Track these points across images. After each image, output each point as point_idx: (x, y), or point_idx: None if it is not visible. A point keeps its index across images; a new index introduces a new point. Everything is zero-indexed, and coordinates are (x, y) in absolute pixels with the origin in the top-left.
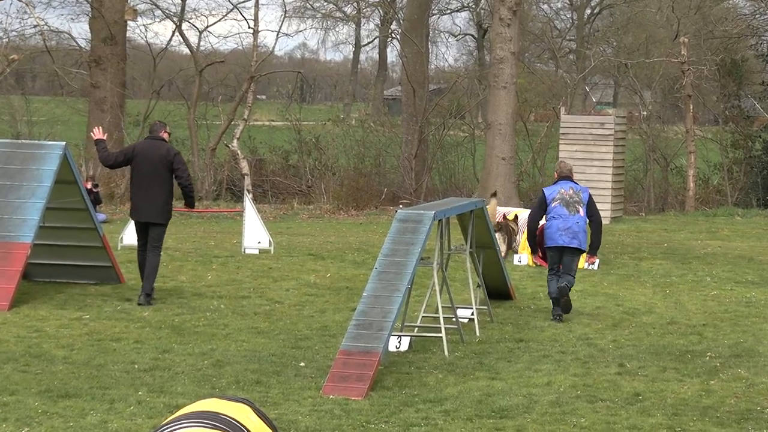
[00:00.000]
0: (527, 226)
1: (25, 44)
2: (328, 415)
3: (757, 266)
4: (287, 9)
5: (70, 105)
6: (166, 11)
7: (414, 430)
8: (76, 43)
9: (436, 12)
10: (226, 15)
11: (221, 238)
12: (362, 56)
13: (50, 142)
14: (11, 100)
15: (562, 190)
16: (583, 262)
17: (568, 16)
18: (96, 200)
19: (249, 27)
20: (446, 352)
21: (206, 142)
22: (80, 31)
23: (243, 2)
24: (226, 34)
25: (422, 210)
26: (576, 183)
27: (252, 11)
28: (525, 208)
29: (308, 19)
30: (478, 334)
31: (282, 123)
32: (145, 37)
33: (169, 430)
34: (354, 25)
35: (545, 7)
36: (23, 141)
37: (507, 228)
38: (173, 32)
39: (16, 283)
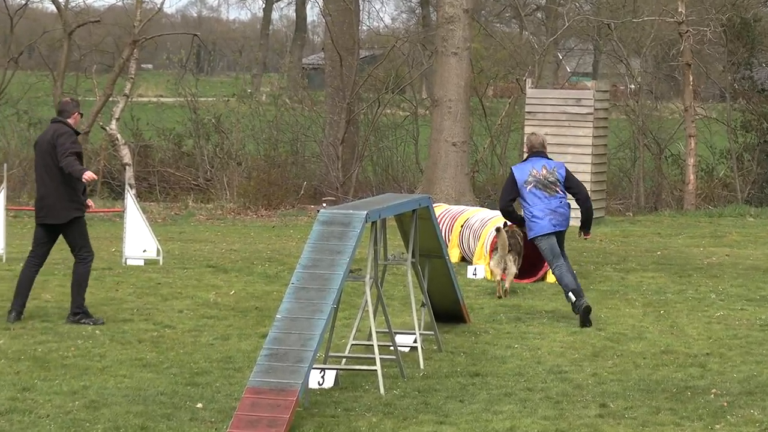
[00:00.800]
0: (500, 208)
1: None
2: None
3: None
4: None
5: None
6: None
7: None
8: None
9: None
10: None
11: (96, 245)
12: (275, 15)
13: None
14: None
15: (534, 171)
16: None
17: None
18: None
19: None
20: (382, 390)
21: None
22: None
23: None
24: None
25: (351, 210)
26: (549, 158)
27: None
28: (481, 207)
29: None
30: (422, 366)
31: (173, 99)
32: None
33: None
34: None
35: None
36: None
37: (517, 244)
38: None
39: None
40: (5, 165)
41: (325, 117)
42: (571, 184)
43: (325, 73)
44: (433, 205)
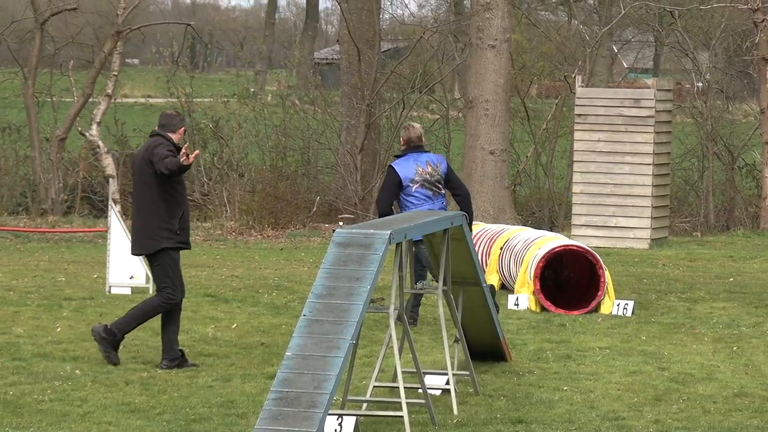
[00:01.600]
0: (379, 211)
1: None
2: None
3: None
4: None
5: None
6: None
7: None
8: None
9: None
10: None
11: (75, 270)
12: (281, 1)
13: None
14: None
15: (419, 168)
16: None
17: None
18: None
19: None
20: None
21: (52, 128)
22: None
23: None
24: None
25: (372, 229)
26: (428, 152)
27: None
28: (524, 225)
29: None
30: (456, 412)
31: (164, 100)
32: None
33: None
34: None
35: None
36: None
37: None
38: None
39: None
40: None
41: (341, 121)
42: (454, 184)
43: (341, 70)
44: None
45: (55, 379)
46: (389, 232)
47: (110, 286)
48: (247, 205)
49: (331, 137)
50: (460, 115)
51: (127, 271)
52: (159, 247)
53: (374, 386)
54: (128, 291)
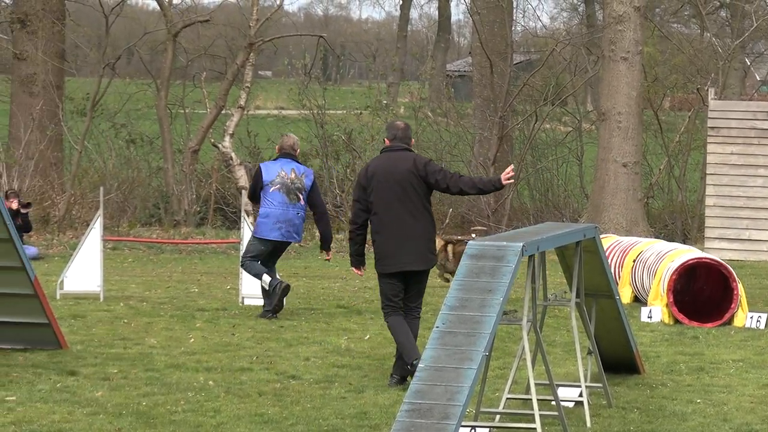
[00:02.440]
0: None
1: None
2: None
3: None
4: None
5: None
6: None
7: None
8: None
9: None
10: None
11: (208, 282)
12: (413, 13)
13: None
14: None
15: (283, 172)
16: None
17: None
18: (24, 227)
19: None
20: None
21: (184, 140)
22: None
23: None
24: None
25: (505, 241)
26: (299, 163)
27: None
28: (657, 238)
29: None
30: (589, 424)
31: (297, 112)
32: None
33: None
34: None
35: None
36: None
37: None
38: None
39: None
40: (102, 189)
41: (474, 133)
42: (314, 196)
43: (473, 82)
44: (601, 236)
45: (189, 390)
46: (522, 244)
47: (243, 297)
48: None
49: (464, 149)
50: (593, 127)
51: (259, 283)
52: (434, 263)
53: (507, 398)
54: (261, 302)
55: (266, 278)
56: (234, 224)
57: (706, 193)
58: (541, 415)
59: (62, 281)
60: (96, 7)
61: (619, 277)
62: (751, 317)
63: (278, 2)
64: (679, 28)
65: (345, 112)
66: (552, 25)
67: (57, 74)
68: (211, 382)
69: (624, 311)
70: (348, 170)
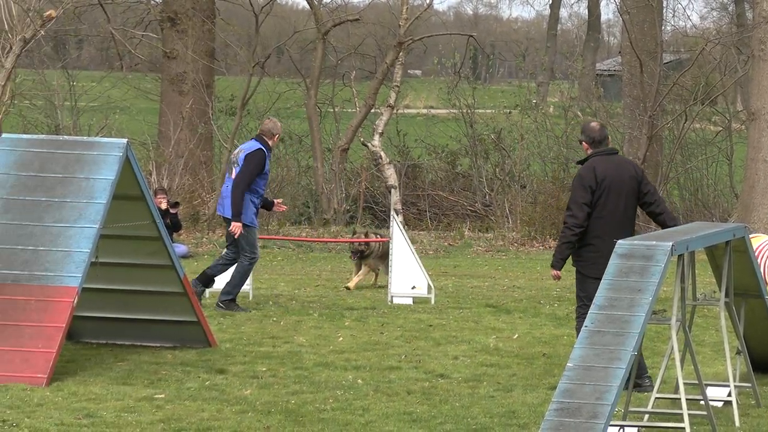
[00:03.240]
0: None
1: None
2: None
3: None
4: None
5: (133, 84)
6: None
7: None
8: None
9: None
10: None
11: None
12: (563, 12)
13: (105, 139)
14: (47, 77)
15: (236, 149)
16: None
17: None
18: (173, 226)
19: None
20: None
21: (333, 138)
22: None
23: None
24: None
25: (654, 241)
26: (259, 143)
27: None
28: None
29: None
30: (737, 423)
31: (446, 111)
32: None
33: None
34: None
35: None
36: (65, 138)
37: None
38: None
39: (58, 346)
40: None
41: (623, 132)
42: (239, 172)
43: (623, 81)
44: (750, 235)
45: (337, 388)
46: (671, 243)
47: (392, 296)
48: (529, 216)
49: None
50: (743, 127)
51: (408, 282)
52: None
53: (656, 398)
54: (410, 301)
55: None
56: (383, 223)
57: None
58: (689, 415)
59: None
60: (246, 6)
61: None
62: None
63: (428, 1)
64: None
65: (494, 111)
66: (702, 25)
67: (207, 73)
68: (359, 381)
69: None
70: (497, 169)
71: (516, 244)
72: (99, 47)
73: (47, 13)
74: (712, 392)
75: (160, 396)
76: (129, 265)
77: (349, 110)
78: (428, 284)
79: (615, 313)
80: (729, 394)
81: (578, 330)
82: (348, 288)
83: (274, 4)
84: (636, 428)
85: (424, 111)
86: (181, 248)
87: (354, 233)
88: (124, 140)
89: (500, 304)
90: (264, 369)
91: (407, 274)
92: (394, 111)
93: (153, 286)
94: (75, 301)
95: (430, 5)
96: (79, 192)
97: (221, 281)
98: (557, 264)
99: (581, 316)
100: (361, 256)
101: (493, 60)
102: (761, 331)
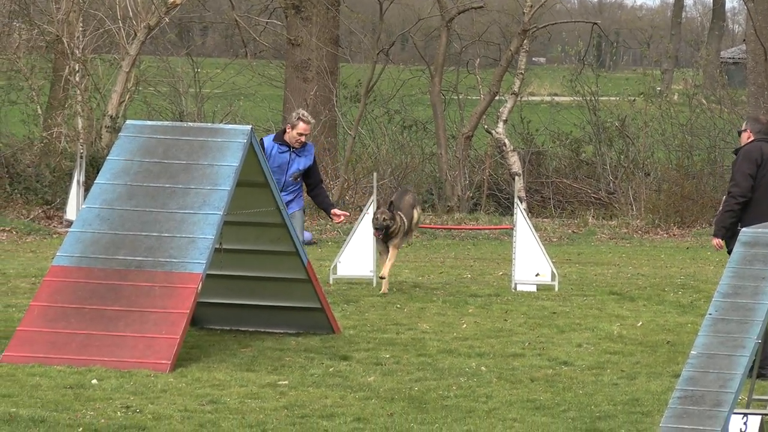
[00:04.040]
0: None
1: None
2: None
3: None
4: None
5: (258, 71)
6: None
7: None
8: None
9: None
10: None
11: (481, 267)
12: (688, 0)
13: (230, 126)
14: (171, 63)
15: None
16: None
17: None
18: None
19: None
20: None
21: (457, 126)
22: None
23: None
24: None
25: None
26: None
27: None
28: None
29: None
30: None
31: (570, 98)
32: None
33: None
34: None
35: None
36: (190, 124)
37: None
38: None
39: (181, 332)
40: (375, 174)
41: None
42: None
43: (747, 69)
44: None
45: (460, 376)
46: None
47: (516, 284)
48: (653, 204)
49: (737, 137)
50: None
51: (532, 269)
52: None
53: None
54: (533, 288)
55: None
56: (507, 210)
57: None
58: None
59: (335, 266)
60: None
61: None
62: None
63: None
64: None
65: (618, 98)
66: None
67: (331, 60)
68: (483, 368)
69: None
70: (621, 157)
71: (640, 232)
72: (223, 34)
73: (171, 0)
74: None
75: (284, 382)
76: (253, 251)
77: (473, 97)
78: (552, 271)
79: (739, 301)
80: None
81: None
82: (382, 277)
83: None
84: (759, 416)
85: (548, 98)
86: (305, 235)
87: (378, 207)
88: (249, 127)
89: (624, 291)
90: (387, 356)
91: (531, 262)
92: (518, 98)
93: (277, 273)
94: (199, 287)
95: None
96: (203, 178)
97: (349, 268)
98: (718, 232)
99: None
100: (386, 232)
101: (617, 47)
102: None
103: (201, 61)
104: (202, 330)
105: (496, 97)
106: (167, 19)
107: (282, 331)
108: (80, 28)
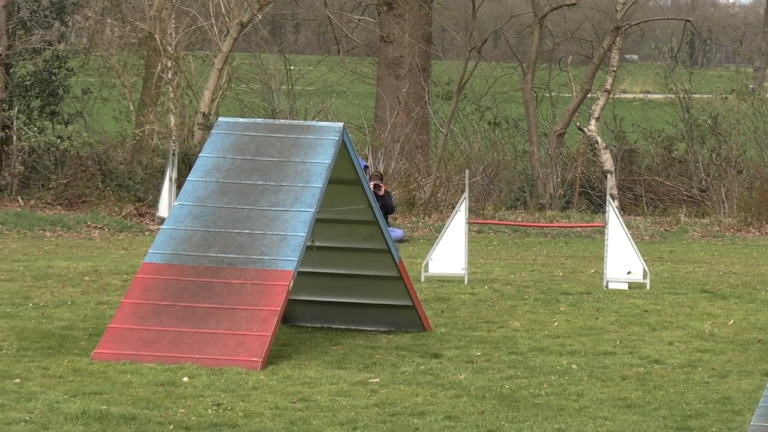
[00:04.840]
0: None
1: None
2: None
3: None
4: None
5: (350, 68)
6: None
7: None
8: None
9: None
10: None
11: (573, 265)
12: None
13: (321, 123)
14: (264, 60)
15: None
16: None
17: None
18: (387, 209)
19: None
20: None
21: (550, 123)
22: None
23: None
24: None
25: None
26: None
27: None
28: None
29: None
30: None
31: (663, 96)
32: None
33: None
34: None
35: None
36: (282, 121)
37: None
38: None
39: (273, 330)
40: (467, 172)
41: None
42: None
43: None
44: None
45: (552, 374)
46: None
47: (607, 281)
48: (746, 202)
49: None
50: None
51: (624, 267)
52: None
53: None
54: (625, 286)
55: None
56: (599, 208)
57: None
58: None
59: (427, 264)
60: None
61: None
62: None
63: None
64: None
65: (711, 96)
66: None
67: (423, 57)
68: (574, 366)
69: None
70: (713, 155)
71: (732, 230)
72: (316, 31)
73: None
74: None
75: (375, 380)
76: (344, 249)
77: (566, 95)
78: (644, 269)
79: None
80: None
81: None
82: None
83: None
84: None
85: (641, 96)
86: (397, 232)
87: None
88: (341, 124)
89: (716, 289)
90: (479, 354)
91: (623, 260)
92: (611, 96)
93: (368, 271)
94: (290, 285)
95: None
96: (295, 176)
97: (441, 266)
98: None
99: None
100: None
101: (709, 45)
102: None
103: (293, 58)
104: (293, 327)
105: (589, 95)
106: (260, 16)
107: (373, 329)
108: (173, 25)
